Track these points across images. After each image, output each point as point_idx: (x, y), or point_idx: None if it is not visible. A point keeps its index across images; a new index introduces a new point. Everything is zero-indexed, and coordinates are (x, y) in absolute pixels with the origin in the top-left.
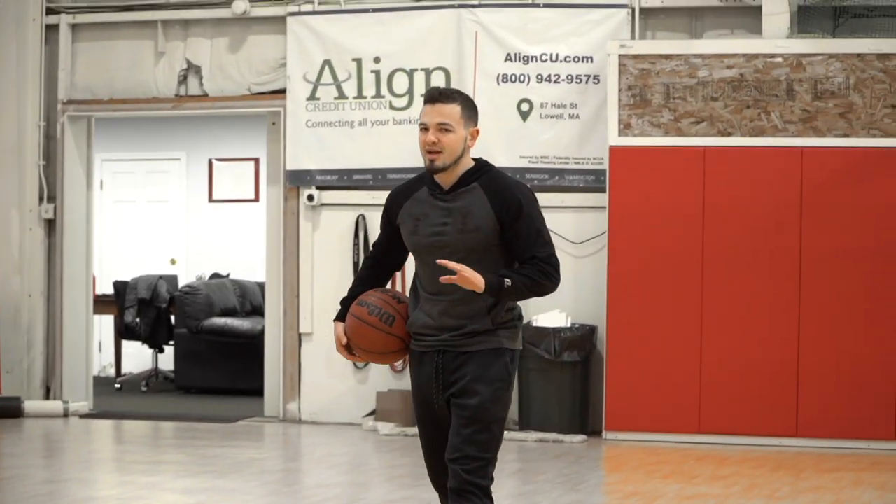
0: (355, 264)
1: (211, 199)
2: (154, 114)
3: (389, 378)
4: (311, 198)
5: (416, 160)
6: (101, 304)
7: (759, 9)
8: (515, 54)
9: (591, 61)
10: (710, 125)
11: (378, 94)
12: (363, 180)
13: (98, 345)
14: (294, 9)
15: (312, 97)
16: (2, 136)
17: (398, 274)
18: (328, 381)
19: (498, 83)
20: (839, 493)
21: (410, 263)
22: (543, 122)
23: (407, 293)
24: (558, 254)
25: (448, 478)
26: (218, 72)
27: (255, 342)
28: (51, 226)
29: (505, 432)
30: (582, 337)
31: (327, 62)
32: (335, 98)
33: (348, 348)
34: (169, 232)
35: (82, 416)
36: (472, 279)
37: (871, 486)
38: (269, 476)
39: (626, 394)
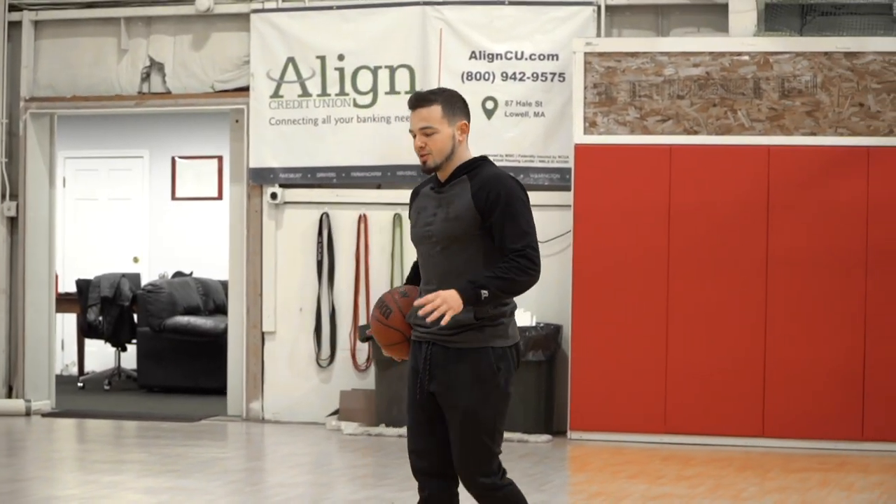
0: (318, 263)
1: (174, 197)
2: (117, 111)
3: (353, 377)
4: (274, 196)
5: (381, 158)
6: (64, 302)
7: (725, 6)
8: (480, 52)
9: (557, 59)
10: (676, 123)
11: (342, 92)
12: (327, 178)
13: (61, 343)
14: (258, 6)
15: (276, 95)
16: None
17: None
18: (291, 380)
19: (462, 81)
20: (806, 494)
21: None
22: (508, 120)
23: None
24: None
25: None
26: (181, 69)
27: (218, 341)
28: (13, 224)
29: None
30: (547, 336)
31: (291, 59)
32: (299, 96)
33: None
34: (132, 230)
35: (45, 415)
36: (447, 303)
37: (837, 487)
38: (232, 475)
39: (592, 393)
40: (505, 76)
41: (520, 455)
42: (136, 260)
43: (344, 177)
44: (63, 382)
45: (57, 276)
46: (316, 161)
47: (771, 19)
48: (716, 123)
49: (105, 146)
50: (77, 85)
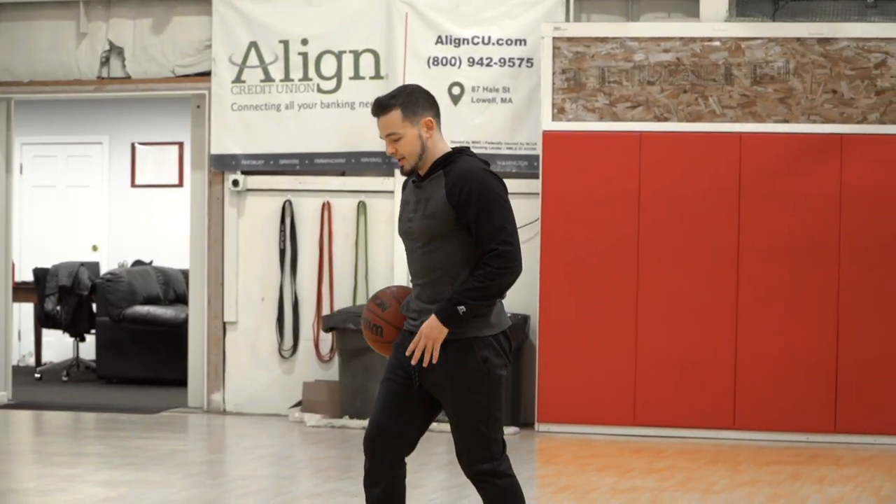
0: (281, 251)
1: (134, 184)
2: (75, 96)
3: (316, 368)
4: (236, 183)
5: (344, 145)
6: (21, 291)
7: None
8: (447, 37)
9: (525, 44)
10: (646, 110)
11: (305, 77)
12: (290, 165)
13: (17, 333)
14: None
15: (238, 80)
16: None
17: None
18: (253, 371)
19: (429, 66)
20: (777, 487)
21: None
22: (475, 106)
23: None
24: None
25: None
26: (141, 53)
27: (178, 331)
28: None
29: (435, 423)
30: (514, 327)
31: (253, 44)
32: (261, 81)
33: None
34: (90, 218)
35: (1, 407)
36: (430, 338)
37: (809, 480)
38: (193, 468)
39: (560, 385)
40: (472, 61)
41: None
42: (95, 248)
43: (307, 163)
44: (20, 373)
45: (14, 265)
46: (279, 147)
47: (743, 4)
48: (686, 110)
49: (63, 132)
50: (35, 69)
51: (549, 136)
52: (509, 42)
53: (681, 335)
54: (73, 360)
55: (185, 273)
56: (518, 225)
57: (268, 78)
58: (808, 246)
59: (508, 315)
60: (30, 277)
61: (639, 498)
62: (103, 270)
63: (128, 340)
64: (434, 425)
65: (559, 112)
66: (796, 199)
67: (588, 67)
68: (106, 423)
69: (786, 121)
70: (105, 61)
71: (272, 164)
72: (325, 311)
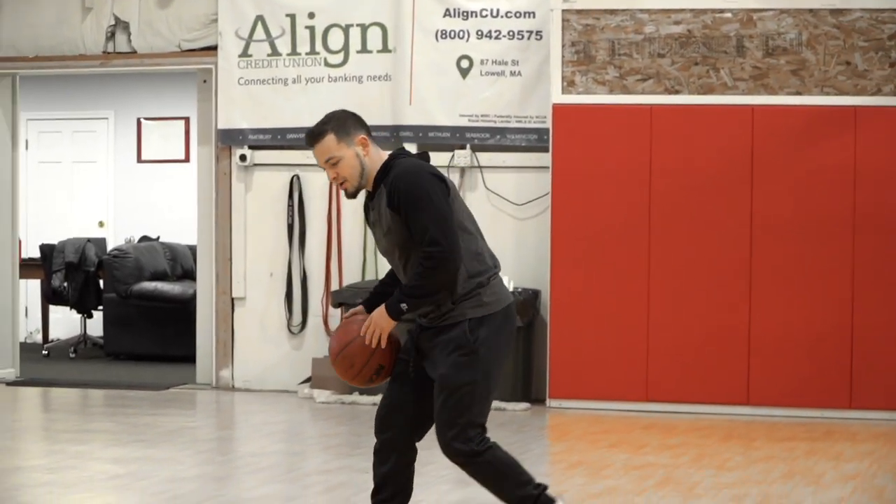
0: (289, 226)
1: (140, 160)
2: (81, 71)
3: (325, 344)
4: (243, 158)
5: None
6: (28, 267)
7: None
8: (455, 9)
9: (534, 17)
10: (656, 83)
11: (312, 51)
12: (297, 140)
13: (24, 310)
14: None
15: (245, 54)
16: None
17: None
18: (262, 347)
19: (437, 39)
20: (792, 464)
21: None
22: (484, 79)
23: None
24: (499, 216)
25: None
26: (147, 28)
27: (186, 307)
28: None
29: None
30: (525, 302)
31: (260, 18)
32: (268, 55)
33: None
34: (97, 193)
35: (9, 384)
36: (377, 324)
37: (825, 456)
38: (203, 445)
39: (571, 360)
40: (480, 34)
41: (498, 423)
42: (101, 224)
43: None
44: (27, 350)
45: (20, 242)
46: (286, 122)
47: None
48: (698, 83)
49: (69, 107)
50: (40, 45)
51: (558, 110)
52: (518, 14)
53: (693, 309)
54: (80, 337)
55: (192, 249)
56: (527, 199)
57: (275, 52)
58: (821, 219)
59: (519, 290)
60: (36, 254)
61: (652, 474)
62: (110, 246)
63: (135, 317)
64: None
65: (569, 85)
66: (810, 172)
67: (598, 40)
68: (114, 399)
69: (798, 93)
70: (110, 36)
71: (280, 139)
72: (334, 286)
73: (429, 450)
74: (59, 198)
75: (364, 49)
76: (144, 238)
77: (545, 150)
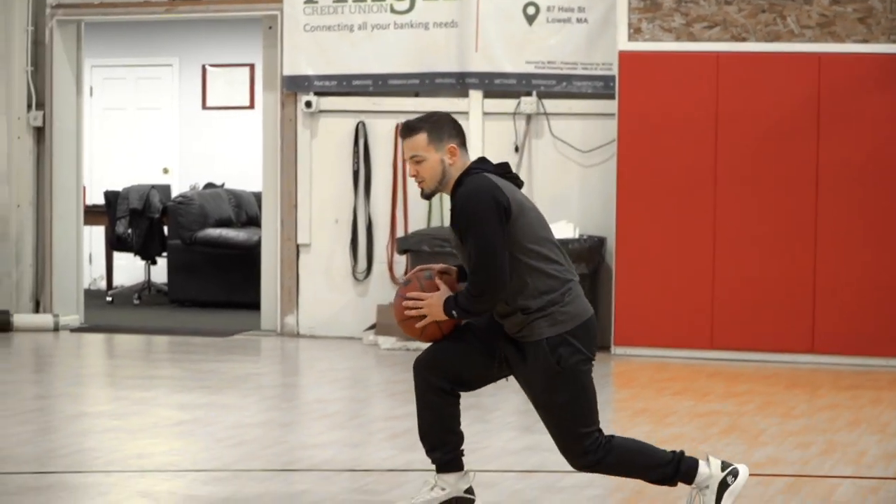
0: (355, 173)
1: (204, 107)
2: (145, 18)
3: (390, 291)
4: (308, 104)
5: (418, 65)
6: (92, 214)
7: None
8: None
9: None
10: (723, 30)
11: None
12: (363, 86)
13: (89, 257)
14: None
15: (310, 0)
16: None
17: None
18: (327, 293)
19: None
20: (858, 412)
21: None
22: (550, 26)
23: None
24: (565, 163)
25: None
26: None
27: (251, 254)
28: (40, 134)
29: None
30: (590, 249)
31: None
32: (334, 1)
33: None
34: (161, 140)
35: (73, 330)
36: (429, 309)
37: (891, 405)
38: (267, 391)
39: (636, 308)
40: None
41: None
42: (165, 171)
43: (381, 84)
44: (91, 297)
45: (84, 188)
46: (352, 68)
47: None
48: (764, 30)
49: (133, 54)
50: None
51: (625, 57)
52: None
53: (759, 257)
54: (144, 284)
55: (257, 195)
56: (593, 146)
57: None
58: (889, 168)
59: (584, 237)
60: (101, 200)
61: (717, 421)
62: (174, 193)
63: (200, 263)
64: None
65: (635, 32)
66: (876, 121)
67: None
68: (178, 346)
69: (865, 41)
70: None
71: (345, 85)
72: (399, 233)
73: (492, 396)
74: (123, 145)
75: None
76: (209, 185)
77: (611, 97)
